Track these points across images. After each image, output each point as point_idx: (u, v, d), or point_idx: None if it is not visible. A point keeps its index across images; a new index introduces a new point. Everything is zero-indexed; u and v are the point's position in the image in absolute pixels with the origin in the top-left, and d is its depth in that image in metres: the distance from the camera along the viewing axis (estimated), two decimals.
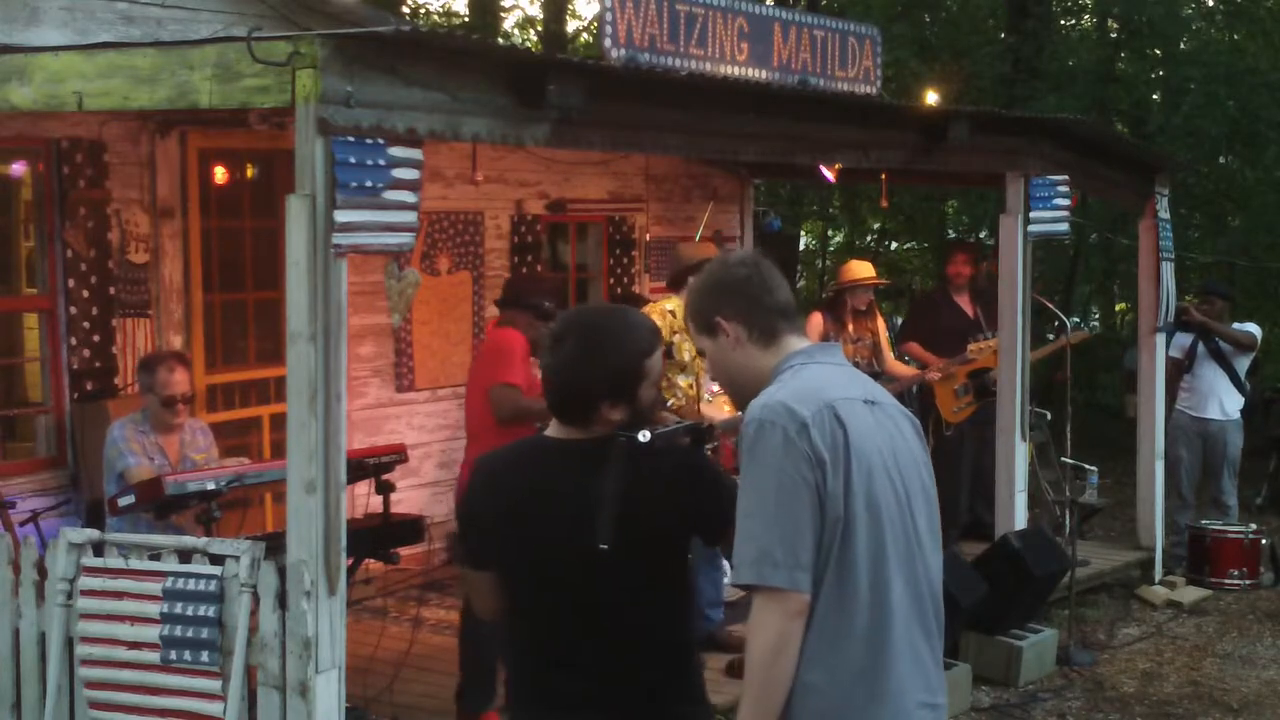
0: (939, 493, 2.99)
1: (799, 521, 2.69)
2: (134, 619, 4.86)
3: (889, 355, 8.64)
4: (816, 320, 8.45)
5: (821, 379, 2.86)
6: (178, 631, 4.79)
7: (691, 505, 2.98)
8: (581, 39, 19.68)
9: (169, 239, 7.40)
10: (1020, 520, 8.08)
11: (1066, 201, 8.31)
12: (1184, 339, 9.58)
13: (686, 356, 6.84)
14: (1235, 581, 9.02)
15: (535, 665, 3.03)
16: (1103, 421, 14.26)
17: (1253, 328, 9.67)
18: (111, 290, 7.13)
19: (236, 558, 4.78)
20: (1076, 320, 14.76)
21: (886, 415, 2.89)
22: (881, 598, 2.77)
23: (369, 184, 4.58)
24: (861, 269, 8.65)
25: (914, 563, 2.83)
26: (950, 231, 18.12)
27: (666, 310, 6.87)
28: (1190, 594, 8.83)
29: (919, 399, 9.61)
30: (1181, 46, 15.68)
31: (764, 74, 7.14)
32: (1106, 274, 16.74)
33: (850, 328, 8.39)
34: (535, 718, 3.04)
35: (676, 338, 6.78)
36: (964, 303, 9.26)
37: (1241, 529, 9.22)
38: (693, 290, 3.09)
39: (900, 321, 11.88)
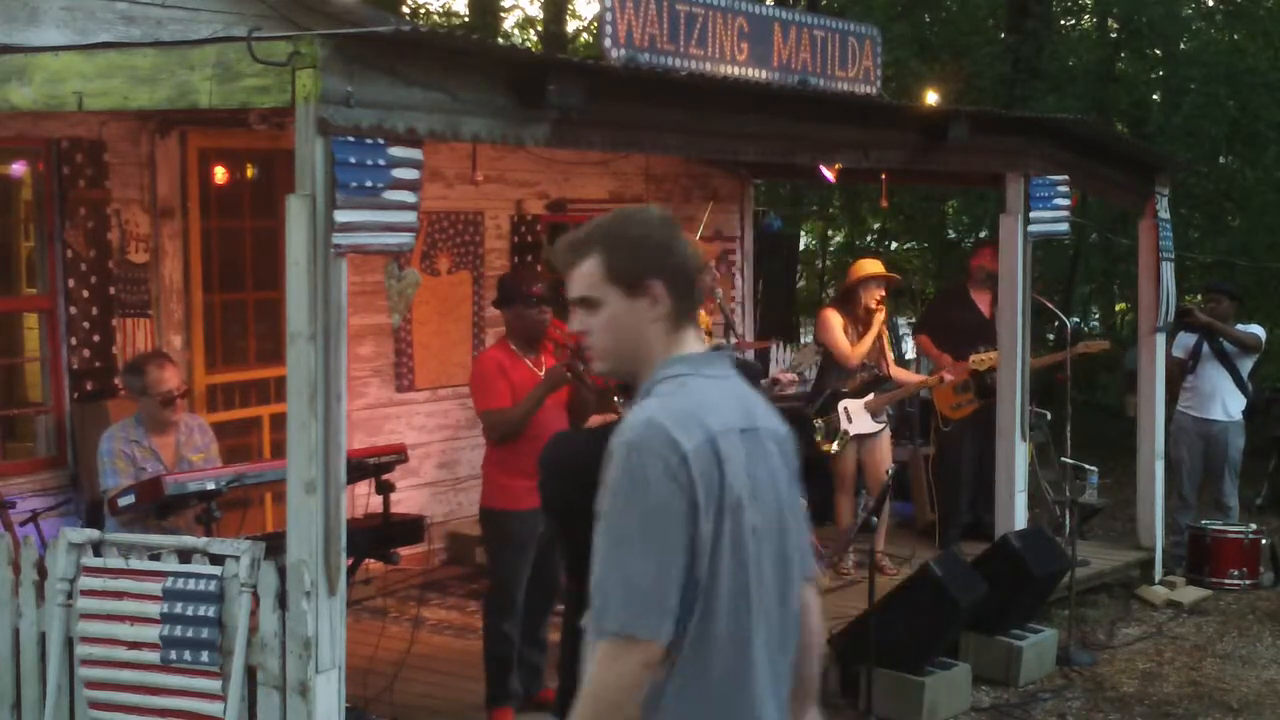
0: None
1: (671, 563, 2.48)
2: (134, 619, 4.86)
3: (890, 358, 8.59)
4: (832, 318, 8.38)
5: (706, 399, 2.61)
6: (178, 631, 4.79)
7: None
8: (581, 39, 19.68)
9: (169, 239, 7.40)
10: (1020, 520, 8.08)
11: (1066, 201, 8.30)
12: (1188, 339, 9.56)
13: None
14: (1235, 581, 9.02)
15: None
16: (1103, 421, 14.25)
17: (1257, 329, 9.65)
18: (111, 290, 7.14)
19: (236, 558, 4.78)
20: (1076, 320, 14.75)
21: (759, 442, 2.66)
22: (742, 647, 2.60)
23: (369, 184, 4.58)
24: (874, 265, 8.61)
25: (773, 604, 2.66)
26: (950, 231, 18.12)
27: None
28: (1190, 594, 8.83)
29: (922, 398, 9.59)
30: (1181, 46, 15.67)
31: (764, 74, 7.14)
32: (1106, 274, 16.73)
33: (861, 325, 8.34)
34: None
35: None
36: (982, 302, 9.06)
37: (1241, 529, 9.21)
38: (628, 238, 2.68)
39: (903, 321, 11.87)
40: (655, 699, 2.53)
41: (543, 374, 6.04)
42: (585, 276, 2.66)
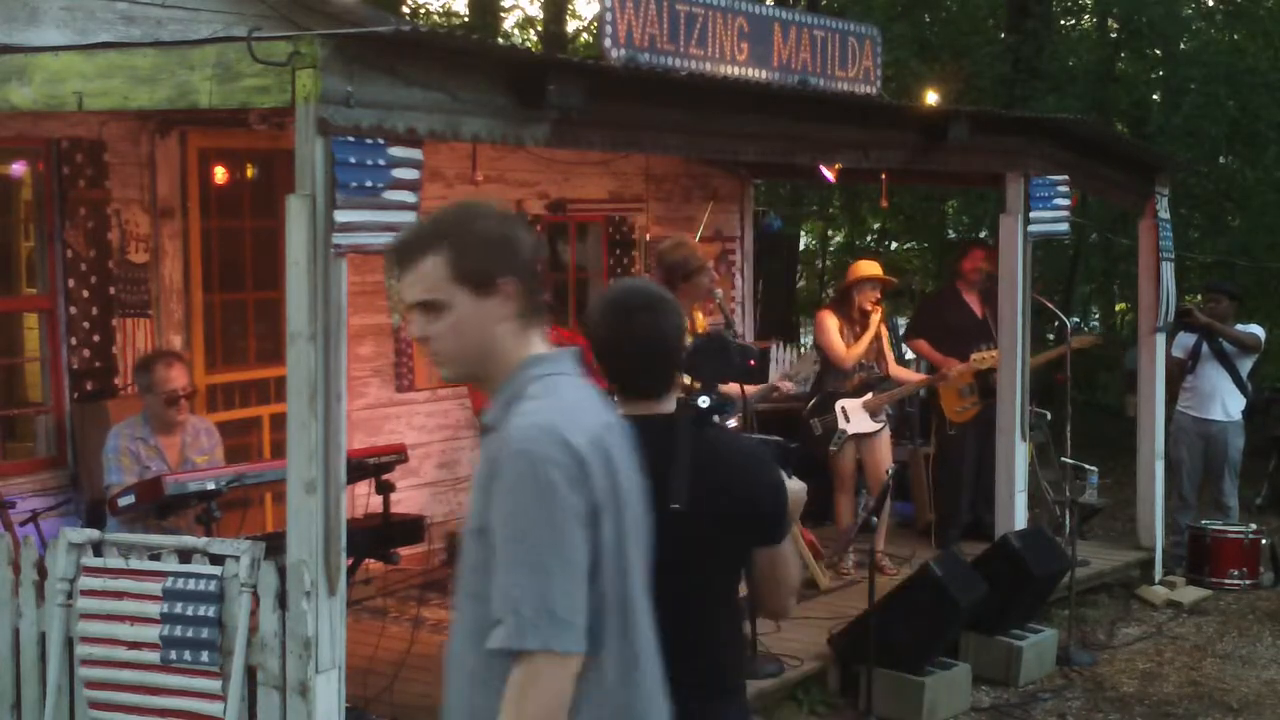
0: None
1: (579, 574, 2.38)
2: (134, 619, 4.87)
3: (890, 358, 8.58)
4: (827, 320, 8.37)
5: (580, 399, 2.53)
6: (178, 631, 4.79)
7: (754, 494, 2.98)
8: (581, 39, 19.67)
9: (169, 239, 7.40)
10: (1020, 520, 8.08)
11: (1066, 201, 8.30)
12: (1187, 339, 9.56)
13: None
14: (1235, 581, 9.02)
15: None
16: (1103, 421, 14.26)
17: (1257, 329, 9.65)
18: (111, 290, 7.13)
19: (236, 558, 4.78)
20: (1076, 320, 14.75)
21: (620, 436, 2.60)
22: (648, 647, 2.56)
23: (369, 184, 4.58)
24: (869, 267, 8.60)
25: (647, 600, 2.59)
26: (950, 231, 18.13)
27: None
28: (1190, 594, 8.83)
29: (922, 398, 9.59)
30: (1181, 46, 15.68)
31: (764, 74, 7.14)
32: (1106, 274, 16.75)
33: (857, 327, 8.33)
34: None
35: None
36: (974, 302, 9.05)
37: (1241, 529, 9.21)
38: (474, 235, 2.52)
39: (903, 321, 11.84)
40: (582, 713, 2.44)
41: None
42: (427, 277, 2.50)
